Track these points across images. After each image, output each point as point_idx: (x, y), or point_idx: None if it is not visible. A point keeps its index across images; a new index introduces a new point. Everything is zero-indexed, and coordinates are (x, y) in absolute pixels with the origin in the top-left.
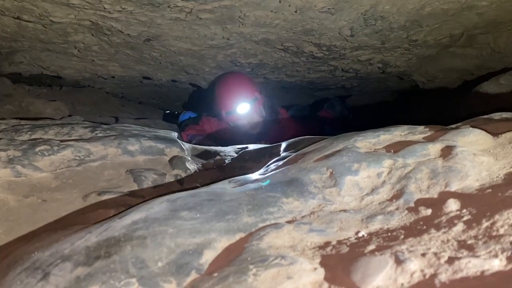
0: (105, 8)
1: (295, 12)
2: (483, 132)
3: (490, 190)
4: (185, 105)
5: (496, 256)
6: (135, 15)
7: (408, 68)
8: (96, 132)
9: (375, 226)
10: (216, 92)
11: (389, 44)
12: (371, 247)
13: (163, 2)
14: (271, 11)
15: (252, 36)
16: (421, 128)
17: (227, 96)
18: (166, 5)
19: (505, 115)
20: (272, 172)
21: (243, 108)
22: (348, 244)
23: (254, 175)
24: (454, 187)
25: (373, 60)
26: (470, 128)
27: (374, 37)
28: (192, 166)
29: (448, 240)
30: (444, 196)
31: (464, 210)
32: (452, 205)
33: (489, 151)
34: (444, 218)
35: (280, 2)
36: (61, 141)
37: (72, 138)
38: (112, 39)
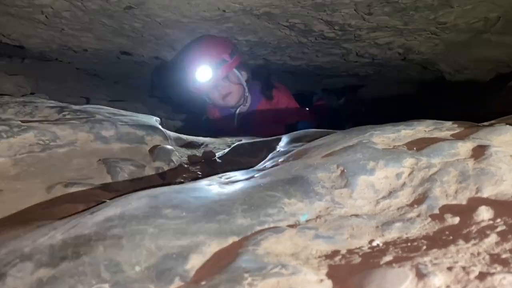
0: None
1: None
2: None
3: None
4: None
5: None
6: None
7: (433, 55)
8: (64, 113)
9: (392, 234)
10: (182, 64)
11: (413, 26)
12: (388, 258)
13: None
14: None
15: (253, 9)
16: (449, 124)
17: (187, 64)
18: None
19: None
20: (272, 168)
21: (203, 73)
22: (360, 254)
23: (250, 171)
24: (487, 192)
25: (393, 44)
26: (507, 126)
27: (396, 16)
28: (176, 158)
29: (479, 253)
30: (475, 202)
31: (498, 220)
32: (484, 214)
33: None
34: (474, 228)
35: None
36: (22, 121)
37: (35, 119)
38: (87, 5)
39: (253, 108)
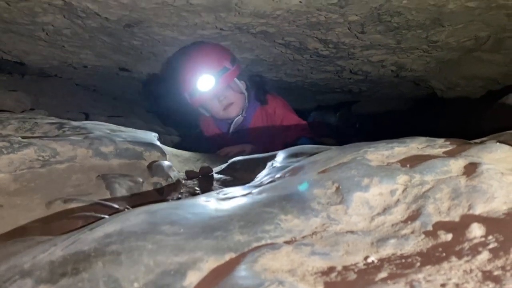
0: None
1: (300, 2)
2: None
3: None
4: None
5: None
6: None
7: (425, 73)
8: (63, 129)
9: (387, 251)
10: (176, 70)
11: (405, 44)
12: (383, 274)
13: None
14: (273, 0)
15: (249, 27)
16: (441, 141)
17: (185, 73)
18: None
19: None
20: (269, 184)
21: (205, 82)
22: (355, 270)
23: (247, 187)
24: (479, 210)
25: (386, 62)
26: (498, 143)
27: (389, 35)
28: (174, 174)
29: (471, 270)
30: (467, 219)
31: (490, 237)
32: (476, 231)
33: None
34: (466, 245)
35: None
36: (23, 138)
37: (35, 135)
38: (87, 23)
39: (249, 118)
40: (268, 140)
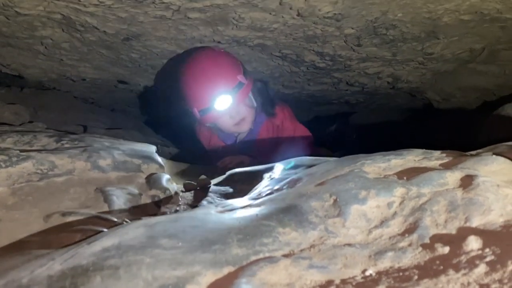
0: (79, 1)
1: (297, 16)
2: (508, 161)
3: None
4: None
5: None
6: (114, 10)
7: (421, 84)
8: (62, 142)
9: (384, 264)
10: (182, 82)
11: (401, 57)
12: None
13: None
14: (270, 14)
15: (247, 40)
16: (437, 153)
17: (198, 88)
18: (150, 1)
19: None
20: (267, 197)
21: (223, 102)
22: (353, 283)
23: (245, 200)
24: (475, 222)
25: (382, 74)
26: (493, 155)
27: (385, 47)
28: (172, 186)
29: (468, 283)
30: (464, 232)
31: (487, 250)
32: (473, 243)
33: None
34: (464, 258)
35: (280, 4)
36: (21, 151)
37: (34, 148)
38: (86, 36)
39: (256, 130)
40: (272, 153)
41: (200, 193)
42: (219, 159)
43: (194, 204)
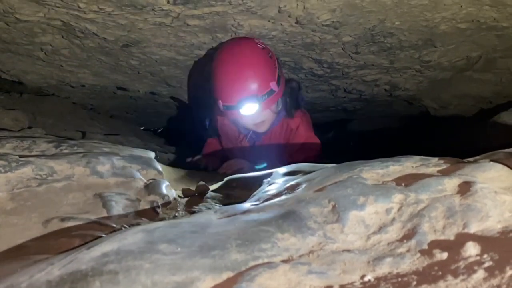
0: (79, 8)
1: (295, 23)
2: (506, 168)
3: None
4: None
5: None
6: (113, 17)
7: (418, 92)
8: (61, 148)
9: (383, 269)
10: (213, 69)
11: (398, 64)
12: None
13: (147, 5)
14: (269, 21)
15: None
16: (435, 160)
17: (227, 84)
18: (150, 8)
19: None
20: (266, 203)
21: (249, 109)
22: None
23: (244, 205)
24: (473, 228)
25: (380, 81)
26: (491, 162)
27: (382, 55)
28: (170, 192)
29: None
30: (462, 238)
31: (485, 255)
32: (471, 249)
33: None
34: (462, 264)
35: (279, 11)
36: (20, 156)
37: (33, 153)
38: (85, 43)
39: (274, 123)
40: (277, 156)
41: (198, 199)
42: (216, 160)
43: (193, 210)
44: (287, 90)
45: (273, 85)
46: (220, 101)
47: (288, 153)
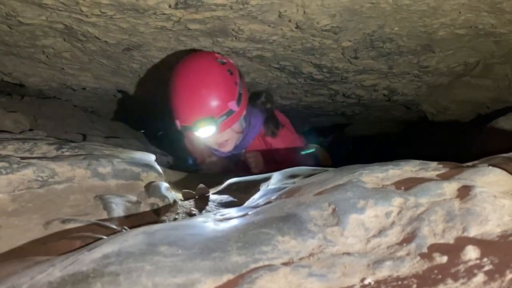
0: (82, 11)
1: (296, 28)
2: (504, 172)
3: None
4: None
5: None
6: (115, 21)
7: (416, 97)
8: (62, 150)
9: (383, 272)
10: (170, 86)
11: (397, 70)
12: None
13: (148, 9)
14: (269, 26)
15: (246, 52)
16: (434, 164)
17: (183, 104)
18: (151, 12)
19: None
20: (266, 206)
21: (205, 131)
22: None
23: (244, 208)
24: (473, 232)
25: (379, 86)
26: (490, 167)
27: (381, 60)
28: (171, 195)
29: None
30: (462, 242)
31: (485, 259)
32: (471, 253)
33: (511, 194)
34: (462, 267)
35: (279, 16)
36: (22, 158)
37: (34, 155)
38: (87, 46)
39: (244, 146)
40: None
41: (198, 202)
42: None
43: (193, 213)
44: (262, 109)
45: (232, 105)
46: (178, 121)
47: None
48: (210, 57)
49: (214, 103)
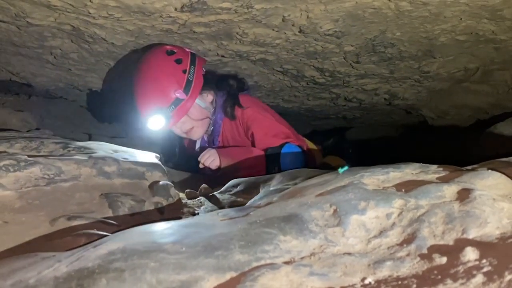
0: (89, 13)
1: (299, 32)
2: (503, 176)
3: None
4: None
5: None
6: (122, 23)
7: (417, 101)
8: (68, 148)
9: (383, 272)
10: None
11: (398, 74)
12: None
13: (155, 11)
14: (273, 30)
15: (249, 55)
16: (434, 167)
17: (136, 100)
18: (158, 15)
19: None
20: (268, 206)
21: (155, 123)
22: None
23: (246, 208)
24: (472, 234)
25: (380, 91)
26: (489, 170)
27: (383, 65)
28: (174, 194)
29: None
30: (461, 243)
31: (484, 261)
32: (470, 254)
33: (510, 197)
34: (461, 268)
35: (283, 20)
36: (29, 156)
37: (41, 154)
38: (94, 47)
39: (217, 129)
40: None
41: (202, 201)
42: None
43: (196, 212)
44: (221, 89)
45: (179, 93)
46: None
47: (256, 143)
48: (158, 50)
49: (157, 94)
